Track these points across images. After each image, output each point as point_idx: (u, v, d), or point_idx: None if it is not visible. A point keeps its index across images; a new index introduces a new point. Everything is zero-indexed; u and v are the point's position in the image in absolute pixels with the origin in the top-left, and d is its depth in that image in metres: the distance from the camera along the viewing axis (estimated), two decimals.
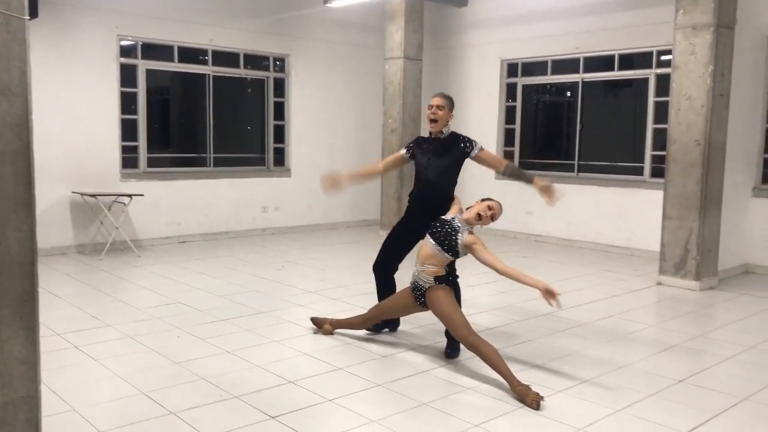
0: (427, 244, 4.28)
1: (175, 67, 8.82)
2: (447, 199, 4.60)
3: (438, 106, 4.58)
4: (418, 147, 4.75)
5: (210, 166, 9.23)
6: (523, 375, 4.07)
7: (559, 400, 3.75)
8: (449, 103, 4.65)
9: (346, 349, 4.57)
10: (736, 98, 6.81)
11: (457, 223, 4.27)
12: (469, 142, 4.62)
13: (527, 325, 5.21)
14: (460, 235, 4.20)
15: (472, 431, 3.33)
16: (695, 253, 6.56)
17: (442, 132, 4.63)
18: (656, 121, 8.30)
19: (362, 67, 10.52)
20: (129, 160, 8.46)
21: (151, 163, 8.70)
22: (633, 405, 3.69)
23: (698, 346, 4.86)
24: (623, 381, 4.08)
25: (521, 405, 3.64)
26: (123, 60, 8.26)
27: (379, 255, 4.88)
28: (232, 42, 9.16)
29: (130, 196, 7.88)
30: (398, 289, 4.71)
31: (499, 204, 4.33)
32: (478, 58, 10.18)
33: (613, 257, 8.28)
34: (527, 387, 3.72)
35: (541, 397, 3.67)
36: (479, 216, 4.23)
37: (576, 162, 9.18)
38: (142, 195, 8.10)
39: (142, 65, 8.45)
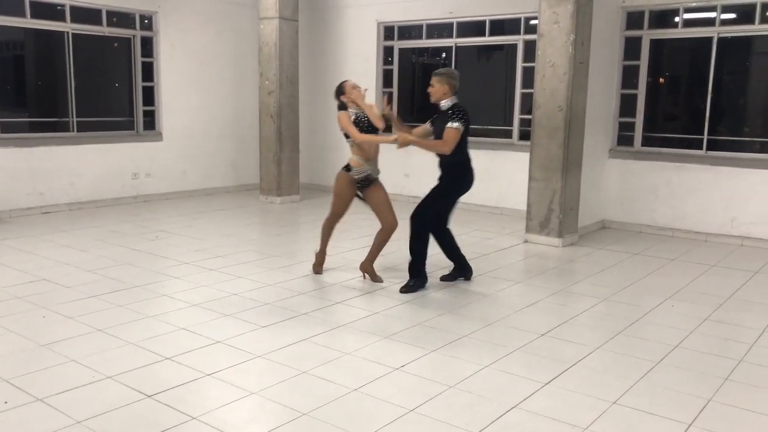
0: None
1: (28, 23, 8.12)
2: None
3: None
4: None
5: (73, 130, 8.66)
6: (399, 335, 4.25)
7: (431, 359, 3.94)
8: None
9: (225, 322, 4.54)
10: (594, 66, 7.26)
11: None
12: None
13: (398, 287, 5.39)
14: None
15: (351, 396, 3.44)
16: (558, 212, 7.03)
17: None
18: (524, 85, 8.68)
19: (237, 26, 10.18)
20: None
21: (6, 128, 8.03)
22: (499, 360, 3.95)
23: (559, 300, 5.25)
24: (491, 337, 4.35)
25: (400, 366, 3.80)
26: None
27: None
28: None
29: None
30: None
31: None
32: (355, 20, 10.14)
33: (484, 216, 8.68)
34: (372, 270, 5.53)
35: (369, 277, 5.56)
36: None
37: None
38: None
39: None
